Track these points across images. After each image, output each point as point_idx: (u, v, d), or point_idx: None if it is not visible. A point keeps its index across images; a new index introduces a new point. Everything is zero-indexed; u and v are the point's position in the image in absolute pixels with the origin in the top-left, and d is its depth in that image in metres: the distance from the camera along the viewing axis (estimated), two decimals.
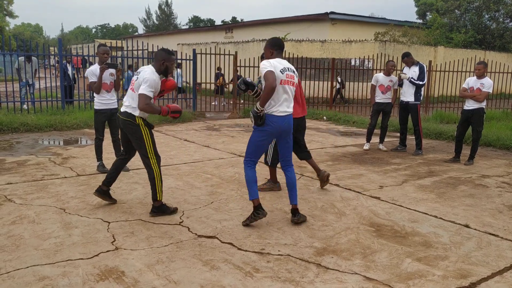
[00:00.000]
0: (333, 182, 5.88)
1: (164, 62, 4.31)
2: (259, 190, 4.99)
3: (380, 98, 8.23)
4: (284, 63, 4.14)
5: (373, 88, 8.31)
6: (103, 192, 4.63)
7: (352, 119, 12.44)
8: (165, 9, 59.01)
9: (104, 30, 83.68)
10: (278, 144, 4.36)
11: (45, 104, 11.67)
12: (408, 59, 8.16)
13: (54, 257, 3.41)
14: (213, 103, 16.53)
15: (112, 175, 4.64)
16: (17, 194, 4.99)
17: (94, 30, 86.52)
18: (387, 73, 8.19)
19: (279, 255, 3.58)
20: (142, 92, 4.11)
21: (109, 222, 4.19)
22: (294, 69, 4.26)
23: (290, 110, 4.20)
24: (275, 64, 4.01)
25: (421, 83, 8.00)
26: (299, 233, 4.06)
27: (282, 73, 4.05)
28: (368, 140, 8.45)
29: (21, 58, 12.31)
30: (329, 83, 16.05)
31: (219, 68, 15.81)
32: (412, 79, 7.97)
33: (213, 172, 6.25)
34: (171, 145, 8.37)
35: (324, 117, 13.31)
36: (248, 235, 3.97)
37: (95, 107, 5.99)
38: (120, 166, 4.66)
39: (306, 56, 17.41)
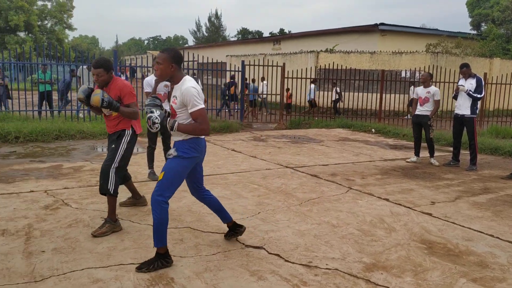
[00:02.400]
0: (383, 196, 5.75)
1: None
2: (123, 205, 4.92)
3: (417, 110, 8.24)
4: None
5: (415, 101, 8.30)
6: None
7: (402, 132, 12.15)
8: (215, 21, 60.23)
9: (156, 42, 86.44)
10: (195, 171, 3.72)
11: None
12: (466, 69, 7.92)
13: (107, 261, 3.53)
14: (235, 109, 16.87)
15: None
16: (73, 198, 5.21)
17: (146, 42, 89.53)
18: (426, 85, 8.11)
19: (327, 269, 3.53)
20: None
21: None
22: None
23: None
24: (198, 88, 3.45)
25: (479, 96, 7.74)
26: (347, 248, 3.99)
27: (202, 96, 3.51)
28: (416, 153, 8.28)
29: (83, 67, 12.95)
30: (378, 95, 15.77)
31: (232, 77, 16.16)
32: (470, 92, 7.72)
33: (260, 183, 6.27)
34: (219, 154, 8.48)
35: (373, 130, 13.07)
36: (295, 247, 3.94)
37: None
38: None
39: (354, 67, 17.22)
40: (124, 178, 4.60)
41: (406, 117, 16.20)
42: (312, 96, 17.03)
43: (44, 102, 13.25)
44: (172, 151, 3.51)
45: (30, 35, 42.86)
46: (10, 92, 14.20)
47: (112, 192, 4.16)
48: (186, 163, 3.48)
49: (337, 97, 17.37)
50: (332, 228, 4.50)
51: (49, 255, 3.62)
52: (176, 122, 3.41)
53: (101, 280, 3.21)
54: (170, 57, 3.44)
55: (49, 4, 45.08)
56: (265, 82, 16.62)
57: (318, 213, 4.96)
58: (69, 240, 3.94)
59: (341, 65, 15.96)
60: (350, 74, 15.66)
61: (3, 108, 13.09)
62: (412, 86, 17.21)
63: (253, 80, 16.35)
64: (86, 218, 4.53)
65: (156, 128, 3.40)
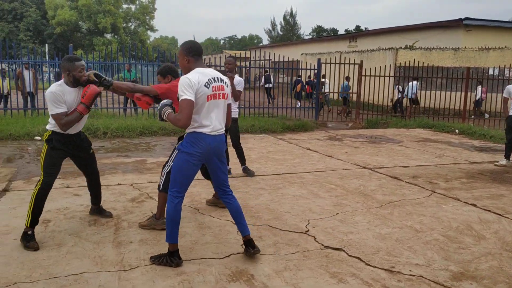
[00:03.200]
0: (469, 201, 5.42)
1: (70, 72, 3.83)
2: (142, 226, 4.24)
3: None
4: (209, 73, 3.37)
5: (505, 100, 7.72)
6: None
7: (489, 133, 11.38)
8: (290, 19, 60.22)
9: (232, 41, 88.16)
10: (208, 169, 3.60)
11: None
12: None
13: (190, 254, 3.65)
14: (297, 106, 16.84)
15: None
16: (157, 192, 5.44)
17: (222, 41, 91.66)
18: None
19: (410, 275, 3.39)
20: (51, 113, 3.82)
21: None
22: (223, 77, 3.46)
23: (221, 129, 3.47)
24: (198, 79, 3.25)
25: None
26: (432, 254, 3.80)
27: (208, 88, 3.29)
28: (507, 156, 7.71)
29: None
30: (463, 93, 14.89)
31: (299, 76, 16.22)
32: None
33: (337, 183, 6.17)
34: (294, 153, 8.47)
35: (456, 130, 12.37)
36: (377, 251, 3.83)
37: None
38: None
39: (436, 64, 16.40)
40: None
41: (485, 116, 15.27)
42: (414, 92, 16.27)
43: (129, 100, 14.01)
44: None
45: (115, 36, 45.59)
46: None
47: (160, 188, 4.19)
48: (186, 158, 3.34)
49: (399, 96, 16.64)
50: (415, 232, 4.31)
51: (136, 245, 3.82)
52: (167, 111, 3.35)
53: (185, 273, 3.32)
54: (184, 50, 3.38)
55: (133, 7, 47.63)
56: (326, 80, 16.47)
57: (399, 217, 4.77)
58: (153, 232, 4.13)
59: (422, 62, 15.26)
60: (432, 71, 14.93)
61: (92, 106, 14.00)
62: (480, 86, 16.09)
63: (324, 76, 16.21)
64: None
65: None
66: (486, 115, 15.73)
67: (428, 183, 6.31)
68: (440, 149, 9.34)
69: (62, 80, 3.92)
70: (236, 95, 5.94)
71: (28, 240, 3.75)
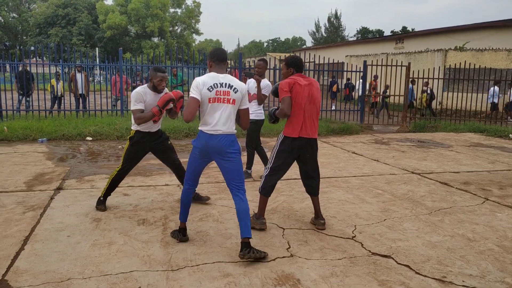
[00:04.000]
0: None
1: (152, 79, 4.61)
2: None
3: None
4: (219, 78, 3.65)
5: None
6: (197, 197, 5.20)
7: None
8: (334, 21, 59.57)
9: (275, 44, 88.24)
10: (224, 169, 3.73)
11: None
12: None
13: (236, 256, 3.66)
14: (332, 108, 16.75)
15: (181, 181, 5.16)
16: (202, 193, 5.50)
17: (266, 44, 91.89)
18: None
19: (463, 286, 3.25)
20: (130, 108, 4.68)
21: (283, 229, 4.35)
22: (235, 84, 3.67)
23: (225, 130, 3.63)
24: (204, 81, 3.61)
25: None
26: (486, 265, 3.64)
27: (211, 91, 3.59)
28: None
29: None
30: None
31: (348, 79, 16.31)
32: None
33: (384, 188, 6.03)
34: (339, 157, 8.35)
35: (510, 135, 11.82)
36: (427, 259, 3.70)
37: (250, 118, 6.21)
38: (178, 174, 5.11)
39: (489, 66, 15.74)
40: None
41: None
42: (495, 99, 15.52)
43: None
44: None
45: (162, 40, 46.67)
46: None
47: (260, 191, 4.35)
48: (192, 150, 3.80)
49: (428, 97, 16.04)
50: (467, 241, 4.14)
51: (183, 246, 3.87)
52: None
53: (231, 275, 3.34)
54: (209, 55, 3.80)
55: (179, 11, 48.64)
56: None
57: (450, 224, 4.60)
58: (200, 233, 4.18)
59: (474, 64, 14.69)
60: (484, 73, 14.34)
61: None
62: (493, 87, 15.17)
63: (375, 76, 16.17)
64: (215, 213, 4.77)
65: None
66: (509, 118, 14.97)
67: (480, 190, 6.05)
68: (492, 155, 8.95)
69: (147, 84, 4.69)
70: (260, 98, 6.04)
71: (99, 204, 4.83)
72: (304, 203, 5.22)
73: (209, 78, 3.65)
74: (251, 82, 6.19)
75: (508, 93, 15.35)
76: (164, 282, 3.21)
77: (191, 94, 3.60)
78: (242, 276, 3.32)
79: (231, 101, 3.66)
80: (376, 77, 16.07)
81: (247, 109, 3.84)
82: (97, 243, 3.90)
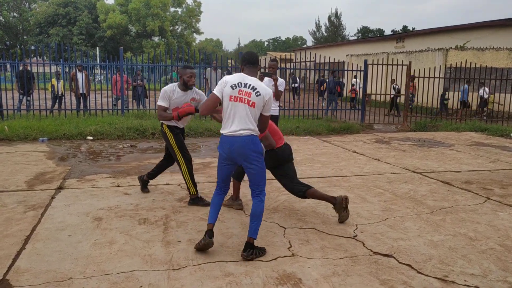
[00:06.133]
0: None
1: (181, 76, 4.86)
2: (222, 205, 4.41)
3: None
4: (245, 79, 3.70)
5: None
6: (143, 182, 5.51)
7: None
8: (334, 20, 59.45)
9: (276, 43, 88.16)
10: (246, 170, 3.79)
11: None
12: None
13: (237, 255, 3.65)
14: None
15: (154, 171, 5.47)
16: (203, 192, 5.50)
17: (266, 43, 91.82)
18: None
19: (465, 285, 3.25)
20: (157, 103, 5.02)
21: (285, 228, 4.34)
22: (259, 88, 3.67)
23: (242, 130, 3.63)
24: (229, 80, 3.70)
25: None
26: (488, 264, 3.63)
27: (233, 89, 3.65)
28: None
29: (209, 69, 13.73)
30: None
31: (355, 76, 16.63)
32: None
33: (386, 187, 6.02)
34: (340, 156, 8.34)
35: (511, 134, 11.80)
36: (428, 258, 3.70)
37: None
38: (162, 166, 5.41)
39: (490, 65, 15.72)
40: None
41: None
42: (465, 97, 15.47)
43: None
44: None
45: (163, 39, 46.67)
46: (147, 92, 15.54)
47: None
48: (219, 157, 3.83)
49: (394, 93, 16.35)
50: (469, 241, 4.13)
51: (184, 245, 3.87)
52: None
53: (232, 274, 3.33)
54: (240, 60, 3.97)
55: (179, 10, 48.63)
56: (357, 80, 16.83)
57: (452, 224, 4.59)
58: (201, 232, 4.15)
59: (475, 63, 14.68)
60: (485, 72, 14.32)
61: (141, 107, 14.41)
62: (463, 85, 15.16)
63: (355, 76, 16.70)
64: None
65: None
66: None
67: (482, 189, 6.04)
68: (494, 154, 8.94)
69: (177, 83, 4.93)
70: (278, 95, 6.40)
71: (196, 202, 5.00)
72: (305, 202, 5.20)
73: (236, 77, 3.73)
74: (266, 80, 6.33)
75: (481, 91, 15.44)
76: (165, 281, 3.21)
77: (214, 90, 3.72)
78: (244, 276, 3.31)
79: (250, 103, 3.64)
80: (413, 77, 14.63)
81: (267, 117, 3.83)
82: (98, 242, 3.89)
